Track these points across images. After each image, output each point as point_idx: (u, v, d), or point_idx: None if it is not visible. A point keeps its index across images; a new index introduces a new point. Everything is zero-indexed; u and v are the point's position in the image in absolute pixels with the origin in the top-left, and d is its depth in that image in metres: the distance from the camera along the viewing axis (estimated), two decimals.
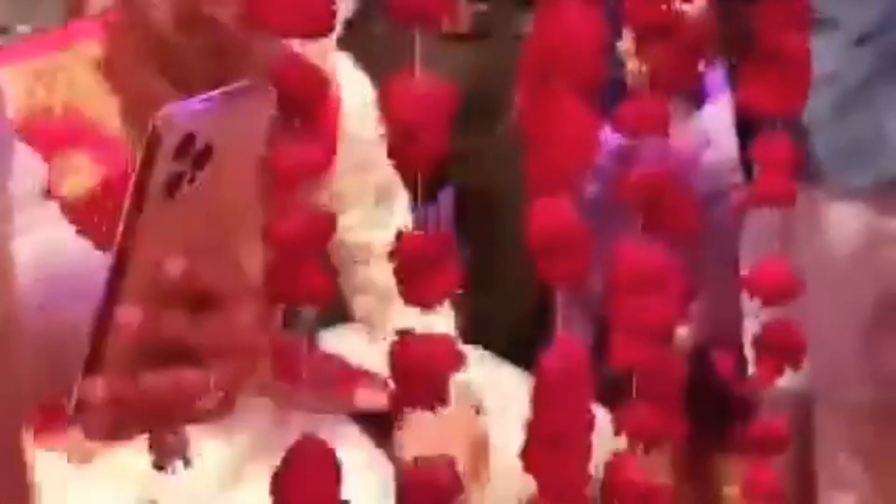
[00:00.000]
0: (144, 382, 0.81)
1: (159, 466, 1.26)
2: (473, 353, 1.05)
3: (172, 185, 0.76)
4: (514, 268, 2.30)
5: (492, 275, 2.41)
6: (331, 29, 0.86)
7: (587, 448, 0.96)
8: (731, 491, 2.64)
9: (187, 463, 1.48)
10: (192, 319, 0.81)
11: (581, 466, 0.96)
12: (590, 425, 0.95)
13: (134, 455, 1.56)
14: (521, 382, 1.83)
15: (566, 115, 0.90)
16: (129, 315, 0.78)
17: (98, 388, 0.80)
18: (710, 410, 2.63)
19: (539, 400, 0.95)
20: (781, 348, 1.18)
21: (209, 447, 1.65)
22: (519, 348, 2.07)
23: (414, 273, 0.91)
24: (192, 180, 0.77)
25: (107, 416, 0.82)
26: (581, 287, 0.95)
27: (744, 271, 2.22)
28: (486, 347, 1.98)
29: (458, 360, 0.96)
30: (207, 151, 0.77)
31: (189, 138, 0.75)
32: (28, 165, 1.25)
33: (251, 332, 0.84)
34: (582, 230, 0.93)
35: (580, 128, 0.91)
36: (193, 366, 0.82)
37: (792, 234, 1.97)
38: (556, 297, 0.96)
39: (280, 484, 0.92)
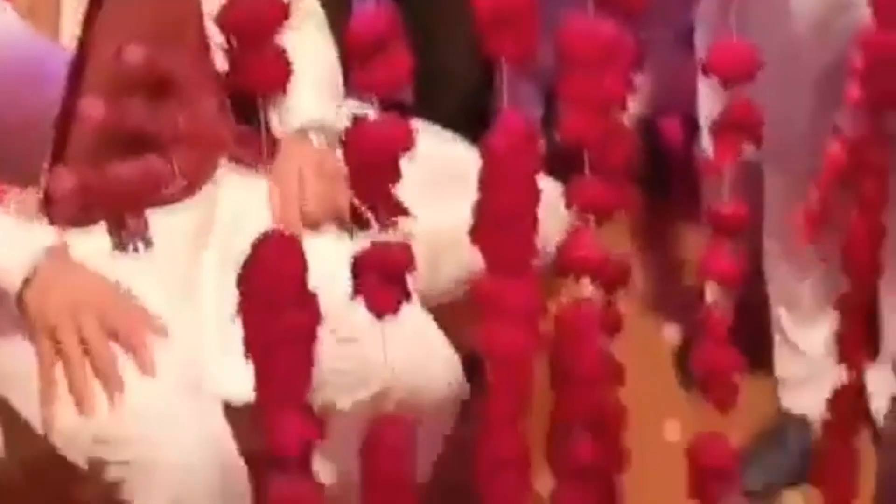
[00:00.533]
0: (111, 171, 0.82)
1: (122, 248, 1.27)
2: (421, 126, 1.05)
3: None
4: (458, 40, 2.26)
5: (436, 47, 2.35)
6: None
7: (533, 223, 0.97)
8: (691, 256, 2.66)
9: (148, 243, 1.49)
10: (154, 108, 0.82)
11: (528, 241, 0.97)
12: (536, 201, 0.96)
13: (93, 241, 1.56)
14: (469, 156, 1.83)
15: None
16: (92, 107, 0.79)
17: (66, 177, 0.81)
18: (666, 179, 2.65)
19: (486, 178, 0.95)
20: (742, 126, 1.17)
21: (166, 221, 1.64)
22: (465, 122, 2.07)
23: (366, 52, 0.91)
24: None
25: (75, 203, 0.83)
26: (529, 62, 0.95)
27: (698, 40, 2.22)
28: (431, 121, 1.97)
29: (410, 138, 0.96)
30: None
31: None
32: None
33: (213, 120, 0.85)
34: (529, 4, 0.93)
35: None
36: (158, 155, 0.83)
37: (746, 2, 1.96)
38: (502, 71, 0.95)
39: (247, 275, 0.93)
